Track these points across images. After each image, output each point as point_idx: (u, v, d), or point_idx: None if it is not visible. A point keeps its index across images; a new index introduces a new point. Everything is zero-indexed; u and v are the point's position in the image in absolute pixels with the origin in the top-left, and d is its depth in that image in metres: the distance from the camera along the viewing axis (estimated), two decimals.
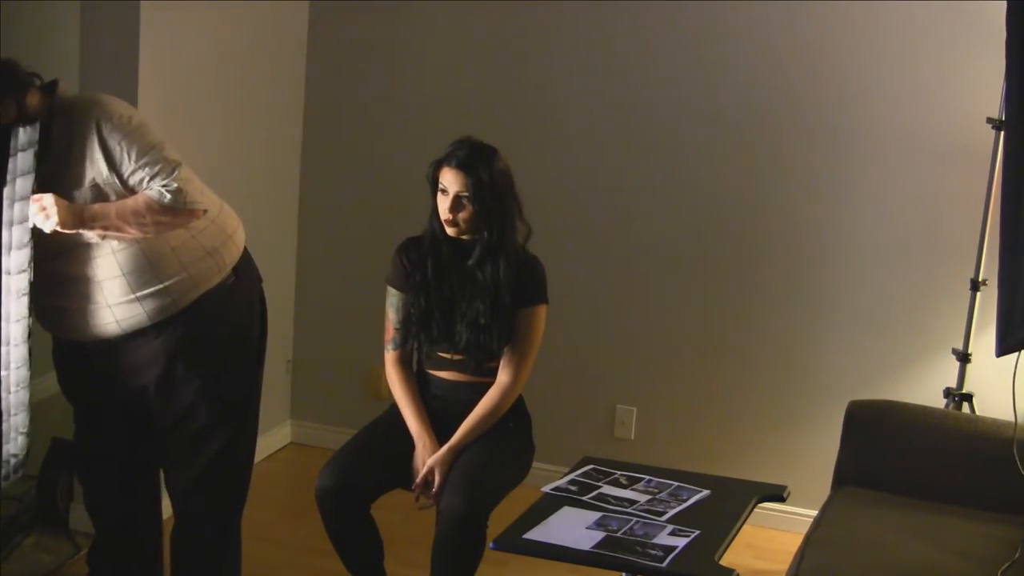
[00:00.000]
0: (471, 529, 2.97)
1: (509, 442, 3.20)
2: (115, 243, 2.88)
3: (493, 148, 3.15)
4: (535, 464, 3.30)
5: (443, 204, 3.12)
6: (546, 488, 3.00)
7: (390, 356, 3.28)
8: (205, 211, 2.92)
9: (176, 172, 2.84)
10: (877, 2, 3.88)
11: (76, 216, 2.81)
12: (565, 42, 4.23)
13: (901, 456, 3.32)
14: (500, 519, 2.92)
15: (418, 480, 3.09)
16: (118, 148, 2.82)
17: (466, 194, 3.09)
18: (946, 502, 3.20)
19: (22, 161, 2.81)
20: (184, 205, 2.85)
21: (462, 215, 3.11)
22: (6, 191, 2.78)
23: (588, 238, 4.29)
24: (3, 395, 2.88)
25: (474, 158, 3.10)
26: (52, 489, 3.74)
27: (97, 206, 2.83)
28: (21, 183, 2.82)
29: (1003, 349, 3.08)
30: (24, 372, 2.94)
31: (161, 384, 3.02)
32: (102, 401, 3.10)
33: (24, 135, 2.77)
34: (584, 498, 2.94)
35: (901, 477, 3.30)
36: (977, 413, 3.66)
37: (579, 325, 4.31)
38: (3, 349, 2.87)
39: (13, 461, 2.98)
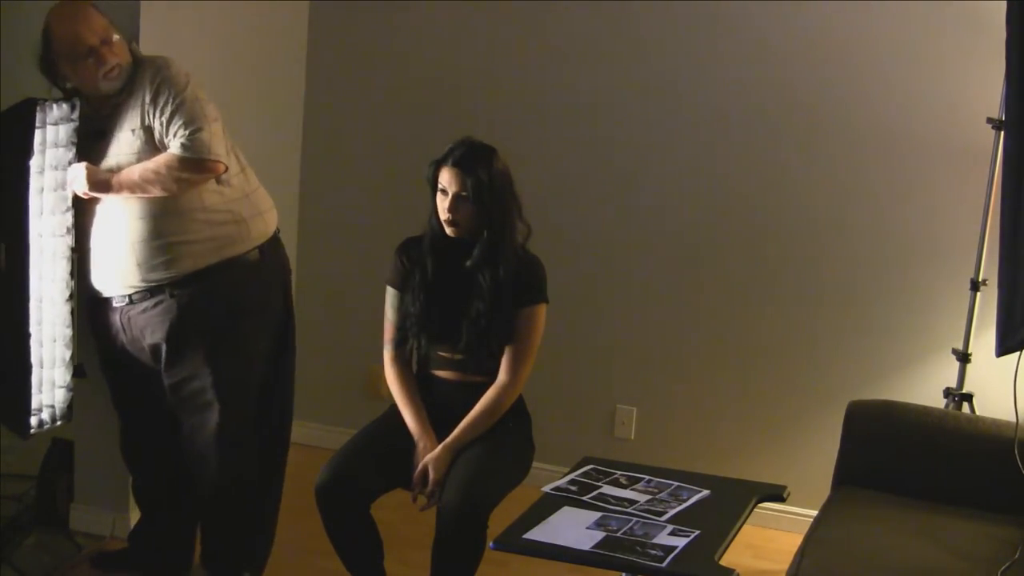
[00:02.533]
0: (471, 529, 2.97)
1: (509, 442, 3.20)
2: None
3: (492, 148, 3.15)
4: (535, 464, 3.30)
5: (442, 204, 3.12)
6: (546, 488, 3.00)
7: (390, 356, 3.28)
8: (226, 168, 3.16)
9: (202, 127, 3.09)
10: (877, 2, 3.88)
11: (103, 182, 3.11)
12: (565, 42, 4.23)
13: (901, 456, 3.32)
14: (500, 519, 2.92)
15: (415, 478, 3.08)
16: (163, 94, 3.10)
17: (465, 194, 3.09)
18: (946, 502, 3.20)
19: (57, 133, 3.11)
20: (203, 154, 3.08)
21: (462, 215, 3.11)
22: (35, 160, 3.07)
23: (588, 238, 4.29)
24: (35, 348, 3.16)
25: (473, 158, 3.10)
26: (52, 489, 3.74)
27: (124, 171, 3.12)
28: (53, 153, 3.12)
29: (1003, 349, 3.09)
30: (63, 330, 3.25)
31: (170, 345, 3.21)
32: (128, 372, 3.35)
33: (58, 110, 3.10)
34: (584, 498, 2.94)
35: (901, 477, 3.30)
36: (977, 413, 3.66)
37: (579, 325, 4.31)
38: (35, 306, 3.13)
39: (47, 411, 3.27)
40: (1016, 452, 3.12)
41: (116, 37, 3.13)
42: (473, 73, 4.34)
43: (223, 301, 3.24)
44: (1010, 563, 2.82)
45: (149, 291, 3.19)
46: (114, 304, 3.25)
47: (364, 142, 4.50)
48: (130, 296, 3.21)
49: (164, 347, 3.22)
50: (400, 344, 3.26)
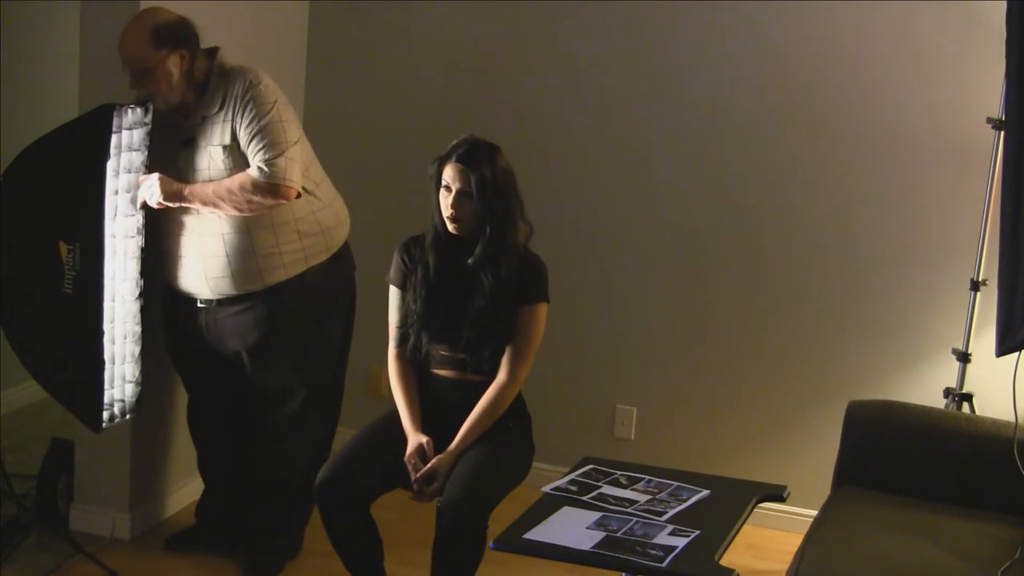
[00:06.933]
0: (471, 529, 2.97)
1: (509, 442, 3.20)
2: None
3: (495, 146, 3.15)
4: (535, 464, 3.30)
5: (445, 201, 3.12)
6: (546, 488, 3.00)
7: (393, 353, 3.28)
8: (299, 194, 3.27)
9: (281, 152, 3.18)
10: (877, 2, 3.88)
11: (176, 193, 3.18)
12: (566, 42, 4.23)
13: (901, 456, 3.32)
14: (500, 519, 2.92)
15: (419, 475, 3.07)
16: (249, 113, 3.19)
17: (468, 191, 3.09)
18: (946, 502, 3.20)
19: (131, 137, 3.20)
20: (278, 180, 3.18)
21: (464, 212, 3.10)
22: (111, 163, 3.15)
23: (589, 238, 4.29)
24: (107, 345, 3.25)
25: (477, 155, 3.10)
26: (52, 489, 3.74)
27: (197, 185, 3.22)
28: (127, 156, 3.21)
29: (1003, 349, 3.08)
30: (133, 327, 3.34)
31: (260, 348, 3.36)
32: (203, 362, 3.48)
33: (132, 114, 3.18)
34: (584, 498, 2.93)
35: (901, 477, 3.30)
36: (977, 413, 3.66)
37: (579, 325, 4.31)
38: (108, 304, 3.21)
39: (118, 405, 3.37)
40: (1016, 452, 3.12)
41: (162, 68, 3.16)
42: (474, 72, 4.34)
43: (310, 304, 3.41)
44: (1010, 563, 2.82)
45: (240, 297, 3.32)
46: (198, 304, 3.37)
47: (364, 142, 4.50)
48: (218, 300, 3.34)
49: (254, 350, 3.37)
50: (401, 342, 3.26)
